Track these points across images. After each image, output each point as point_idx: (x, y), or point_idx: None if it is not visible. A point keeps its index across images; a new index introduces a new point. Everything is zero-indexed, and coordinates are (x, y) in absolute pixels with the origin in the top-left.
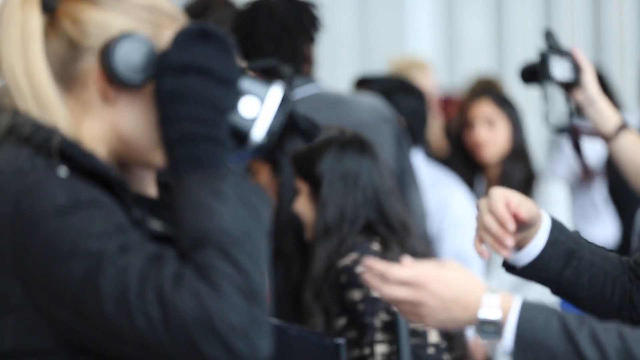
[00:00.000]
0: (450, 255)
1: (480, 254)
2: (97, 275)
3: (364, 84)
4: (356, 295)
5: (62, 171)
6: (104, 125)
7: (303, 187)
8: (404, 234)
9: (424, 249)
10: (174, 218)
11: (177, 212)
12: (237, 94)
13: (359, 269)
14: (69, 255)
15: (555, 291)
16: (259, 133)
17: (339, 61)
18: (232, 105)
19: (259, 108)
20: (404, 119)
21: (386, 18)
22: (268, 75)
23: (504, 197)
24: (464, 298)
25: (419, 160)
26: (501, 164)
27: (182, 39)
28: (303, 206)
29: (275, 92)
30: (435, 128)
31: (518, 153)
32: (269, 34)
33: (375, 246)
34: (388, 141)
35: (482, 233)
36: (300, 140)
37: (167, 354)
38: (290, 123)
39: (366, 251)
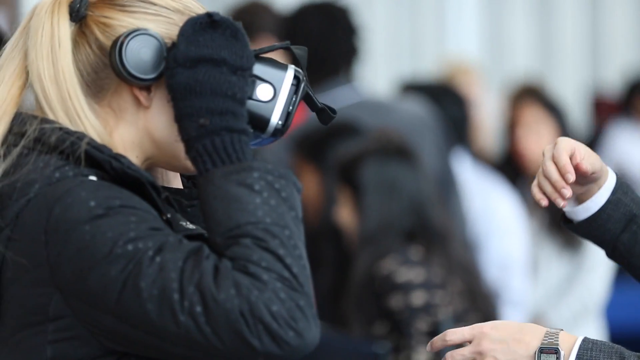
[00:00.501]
0: (496, 261)
1: (539, 200)
2: (136, 276)
3: (409, 89)
4: (396, 302)
5: (92, 176)
6: (138, 131)
7: (344, 195)
8: (444, 241)
9: (465, 255)
10: (203, 213)
11: (207, 206)
12: (252, 80)
13: (399, 277)
14: (106, 259)
15: (610, 255)
16: (276, 117)
17: (384, 60)
18: (248, 93)
19: (274, 93)
20: (448, 124)
21: (431, 16)
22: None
23: (569, 147)
24: (526, 337)
25: (466, 166)
26: None
27: (191, 30)
28: (344, 213)
29: (289, 75)
30: (484, 132)
31: None
32: (352, 31)
33: (415, 253)
34: (429, 148)
35: (542, 180)
36: (344, 146)
37: (216, 350)
38: (307, 104)
39: (406, 258)
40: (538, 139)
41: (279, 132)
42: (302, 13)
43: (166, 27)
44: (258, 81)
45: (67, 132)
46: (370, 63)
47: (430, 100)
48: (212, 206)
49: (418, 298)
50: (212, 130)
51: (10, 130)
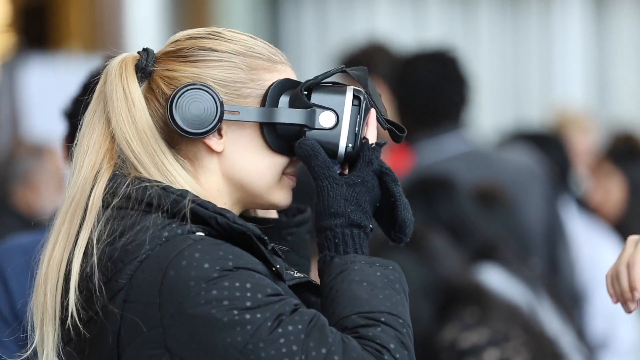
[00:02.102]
0: (602, 311)
1: (610, 296)
2: (255, 345)
3: (514, 138)
4: None
5: (200, 232)
6: (217, 177)
7: None
8: (489, 297)
9: (513, 305)
10: (336, 288)
11: (345, 284)
12: (312, 111)
13: (464, 343)
14: (222, 325)
15: None
16: (343, 142)
17: (489, 105)
18: (315, 125)
19: (337, 118)
20: (553, 172)
21: (536, 62)
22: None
23: None
24: None
25: (572, 214)
26: (621, 217)
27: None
28: None
29: (349, 98)
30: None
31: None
32: (462, 81)
33: (470, 315)
34: (536, 199)
35: (614, 280)
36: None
37: None
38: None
39: (463, 324)
40: (604, 195)
41: (350, 155)
42: (413, 61)
43: (229, 72)
44: (319, 110)
45: (168, 190)
46: (475, 109)
47: (536, 148)
48: (350, 285)
49: (490, 357)
50: (356, 224)
51: (107, 191)
